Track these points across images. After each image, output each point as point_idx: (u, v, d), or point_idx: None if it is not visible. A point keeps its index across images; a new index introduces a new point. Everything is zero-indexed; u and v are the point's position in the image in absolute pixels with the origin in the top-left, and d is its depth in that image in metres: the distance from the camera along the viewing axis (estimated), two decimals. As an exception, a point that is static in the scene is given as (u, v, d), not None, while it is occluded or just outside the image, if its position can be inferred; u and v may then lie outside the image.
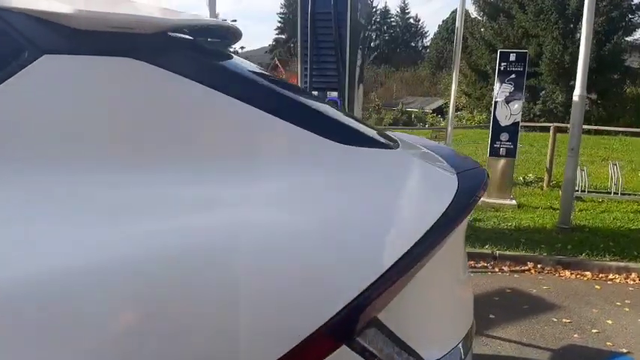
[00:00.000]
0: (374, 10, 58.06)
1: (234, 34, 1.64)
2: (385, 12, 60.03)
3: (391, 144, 1.31)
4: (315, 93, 4.78)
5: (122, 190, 0.95)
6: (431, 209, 1.11)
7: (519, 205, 6.67)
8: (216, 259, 0.89)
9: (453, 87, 5.22)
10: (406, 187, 1.18)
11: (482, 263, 4.65)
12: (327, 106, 1.45)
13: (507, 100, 6.52)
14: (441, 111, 32.84)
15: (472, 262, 4.65)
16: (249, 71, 1.30)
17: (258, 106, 1.10)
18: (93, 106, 1.02)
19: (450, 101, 5.35)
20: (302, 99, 1.28)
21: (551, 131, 8.01)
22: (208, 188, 1.01)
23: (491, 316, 3.59)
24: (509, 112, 6.54)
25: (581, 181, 7.16)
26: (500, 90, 6.55)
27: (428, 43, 52.98)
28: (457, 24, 5.18)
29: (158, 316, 0.85)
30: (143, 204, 0.94)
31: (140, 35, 1.08)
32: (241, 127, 1.10)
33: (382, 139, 1.32)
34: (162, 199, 0.96)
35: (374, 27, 58.91)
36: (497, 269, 4.55)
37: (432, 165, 1.33)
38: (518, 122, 6.56)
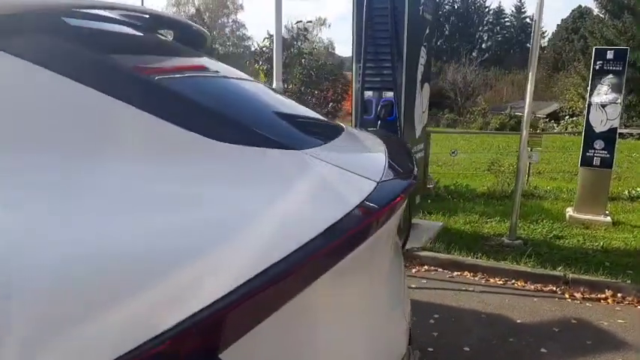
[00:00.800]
0: (486, 10, 55.73)
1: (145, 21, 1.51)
2: (499, 12, 57.38)
3: (298, 144, 1.11)
4: (370, 93, 4.53)
5: None
6: (304, 225, 0.90)
7: (615, 223, 5.86)
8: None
9: (529, 88, 4.65)
10: (278, 197, 0.95)
11: (550, 287, 4.08)
12: (236, 99, 1.26)
13: (603, 104, 5.76)
14: (555, 116, 30.53)
15: (539, 285, 4.12)
16: (127, 59, 1.16)
17: (112, 95, 0.97)
18: None
19: (527, 103, 4.78)
20: (185, 90, 1.12)
21: (663, 140, 6.98)
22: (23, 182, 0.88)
23: (542, 350, 3.11)
24: (605, 117, 5.78)
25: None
26: (595, 91, 5.81)
27: (545, 44, 49.73)
28: (535, 16, 4.62)
29: None
30: None
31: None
32: (88, 117, 0.97)
33: (286, 139, 1.12)
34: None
35: (486, 28, 56.58)
36: (566, 295, 3.96)
37: (343, 172, 1.10)
38: (615, 128, 5.77)
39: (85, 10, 1.27)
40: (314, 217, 0.92)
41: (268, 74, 6.56)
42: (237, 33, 47.67)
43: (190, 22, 1.75)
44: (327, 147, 1.23)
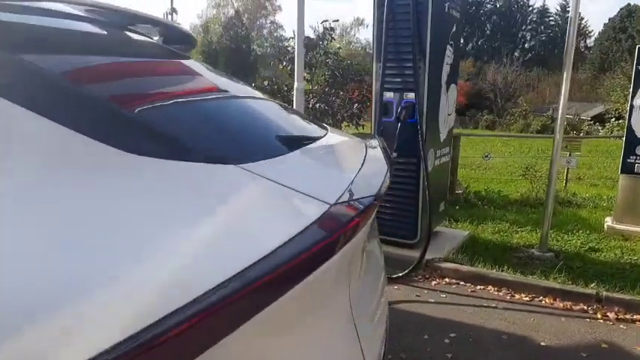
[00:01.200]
0: (529, 9, 54.28)
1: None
2: (543, 11, 55.73)
3: (238, 157, 0.95)
4: (391, 94, 4.31)
5: None
6: (219, 261, 0.73)
7: (659, 235, 5.45)
8: None
9: (563, 89, 4.33)
10: (189, 224, 0.78)
11: (580, 306, 3.76)
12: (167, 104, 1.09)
13: (646, 107, 5.37)
14: (601, 118, 29.31)
15: (568, 304, 3.80)
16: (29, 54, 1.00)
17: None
18: None
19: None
20: (95, 92, 0.96)
21: None
22: None
23: (567, 377, 2.83)
24: (648, 121, 5.38)
25: None
26: (637, 93, 5.42)
27: (591, 44, 48.00)
28: (571, 14, 4.30)
29: None
30: None
31: None
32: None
33: (221, 151, 0.96)
34: None
35: (529, 27, 55.11)
36: (598, 315, 3.64)
37: (289, 192, 0.93)
38: (659, 133, 5.36)
39: (23, 3, 1.13)
40: (234, 249, 0.74)
41: (292, 75, 6.42)
42: (275, 34, 47.89)
43: (172, 22, 1.60)
44: (280, 160, 1.04)
